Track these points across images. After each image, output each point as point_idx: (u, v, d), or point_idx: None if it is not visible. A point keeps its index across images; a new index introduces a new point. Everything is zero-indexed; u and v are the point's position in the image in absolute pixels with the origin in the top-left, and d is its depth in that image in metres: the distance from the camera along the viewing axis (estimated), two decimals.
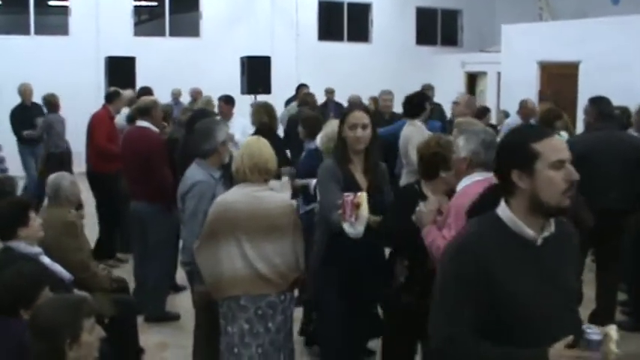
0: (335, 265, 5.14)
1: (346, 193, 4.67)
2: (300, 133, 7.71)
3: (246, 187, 5.08)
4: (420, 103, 8.88)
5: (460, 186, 4.78)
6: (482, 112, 13.15)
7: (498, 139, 5.83)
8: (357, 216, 4.59)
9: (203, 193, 5.47)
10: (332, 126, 6.42)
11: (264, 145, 5.21)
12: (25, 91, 13.05)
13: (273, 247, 5.00)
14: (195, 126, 5.94)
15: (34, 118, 12.79)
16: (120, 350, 5.78)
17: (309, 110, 10.59)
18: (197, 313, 5.91)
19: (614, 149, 7.01)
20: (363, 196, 4.63)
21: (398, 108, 10.37)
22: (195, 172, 5.64)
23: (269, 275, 4.98)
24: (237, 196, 5.07)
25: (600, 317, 7.32)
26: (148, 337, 7.25)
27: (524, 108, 11.20)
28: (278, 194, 5.30)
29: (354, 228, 4.63)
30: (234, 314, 5.03)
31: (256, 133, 8.25)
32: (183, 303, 7.81)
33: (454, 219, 4.57)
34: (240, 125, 10.85)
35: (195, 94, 15.77)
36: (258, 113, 9.10)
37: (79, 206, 7.26)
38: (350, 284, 5.15)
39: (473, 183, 4.70)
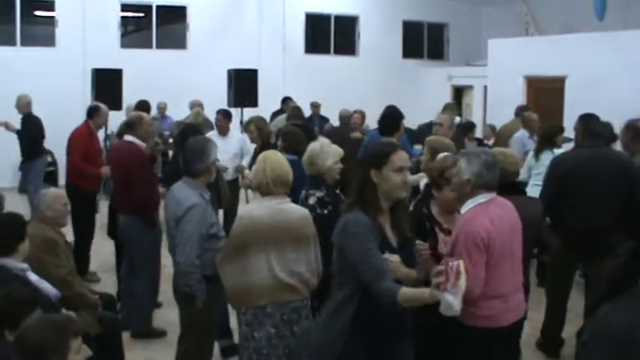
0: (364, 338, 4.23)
1: (449, 259, 3.86)
2: (278, 146, 7.69)
3: (269, 201, 5.25)
4: (393, 124, 8.69)
5: (464, 209, 4.77)
6: (469, 128, 13.24)
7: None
8: (457, 287, 3.77)
9: (199, 216, 5.50)
10: (321, 145, 6.44)
11: (282, 159, 5.42)
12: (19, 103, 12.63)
13: (297, 257, 5.19)
14: (188, 144, 5.90)
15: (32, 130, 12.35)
16: None
17: (295, 125, 10.54)
18: (184, 327, 5.90)
19: (599, 167, 7.03)
20: (463, 265, 3.84)
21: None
22: (187, 194, 5.61)
23: (293, 283, 5.16)
24: (260, 209, 5.24)
25: None
26: (135, 353, 7.20)
27: (530, 121, 11.24)
28: (298, 206, 5.47)
29: (453, 299, 3.73)
30: (260, 321, 5.20)
31: (263, 147, 8.26)
32: (169, 319, 7.76)
33: (464, 247, 4.57)
34: (238, 139, 10.86)
35: (195, 106, 15.56)
36: (263, 129, 9.12)
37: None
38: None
39: (477, 205, 4.70)
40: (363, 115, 13.67)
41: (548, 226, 7.60)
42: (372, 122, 15.33)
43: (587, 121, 7.37)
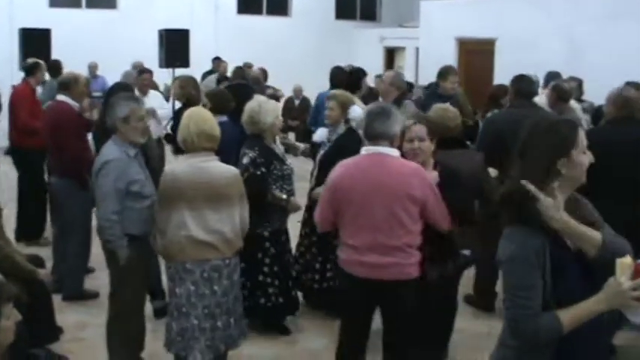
0: None
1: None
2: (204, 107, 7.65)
3: (192, 158, 5.29)
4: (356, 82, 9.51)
5: None
6: (409, 89, 13.28)
7: None
8: None
9: (117, 172, 5.43)
10: (259, 103, 6.49)
11: (207, 114, 5.49)
12: None
13: (219, 216, 5.24)
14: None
15: None
16: (36, 331, 5.71)
17: (238, 84, 10.46)
18: (112, 285, 5.86)
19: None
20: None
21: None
22: (108, 150, 5.54)
23: (212, 241, 5.23)
24: (182, 166, 5.31)
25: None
26: (66, 316, 7.14)
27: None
28: (223, 164, 5.45)
29: None
30: (180, 277, 5.29)
31: (185, 106, 8.16)
32: (101, 282, 7.71)
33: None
34: (157, 99, 10.77)
35: (137, 67, 15.04)
36: (185, 87, 8.99)
37: None
38: None
39: (357, 157, 5.03)
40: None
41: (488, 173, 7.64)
42: (305, 83, 15.37)
43: (519, 82, 7.52)
